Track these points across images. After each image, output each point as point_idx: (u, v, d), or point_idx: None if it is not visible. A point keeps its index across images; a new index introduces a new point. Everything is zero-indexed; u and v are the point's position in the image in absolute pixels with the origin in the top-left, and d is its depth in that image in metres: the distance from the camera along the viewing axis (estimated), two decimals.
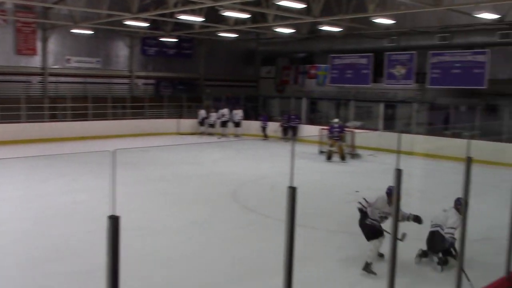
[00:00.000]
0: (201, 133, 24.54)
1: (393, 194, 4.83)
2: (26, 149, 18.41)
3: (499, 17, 18.35)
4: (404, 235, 6.18)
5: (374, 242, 6.88)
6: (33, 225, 8.96)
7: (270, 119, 24.66)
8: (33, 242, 8.08)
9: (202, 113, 24.71)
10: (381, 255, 7.09)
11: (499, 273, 5.95)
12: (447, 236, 6.87)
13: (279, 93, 29.23)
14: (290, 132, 22.93)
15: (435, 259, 7.15)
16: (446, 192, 12.49)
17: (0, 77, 22.07)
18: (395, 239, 4.35)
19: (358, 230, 7.15)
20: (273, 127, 23.58)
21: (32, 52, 22.91)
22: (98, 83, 25.44)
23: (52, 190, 12.04)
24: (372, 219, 6.99)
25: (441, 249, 7.06)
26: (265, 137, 23.49)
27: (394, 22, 19.62)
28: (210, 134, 24.32)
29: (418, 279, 6.89)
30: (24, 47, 22.62)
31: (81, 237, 8.29)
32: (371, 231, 6.97)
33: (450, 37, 21.31)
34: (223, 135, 24.13)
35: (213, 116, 24.46)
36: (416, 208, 7.80)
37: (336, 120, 18.32)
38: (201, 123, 24.74)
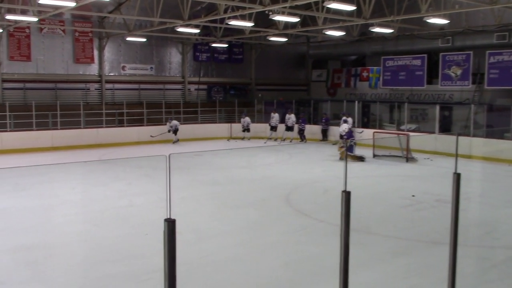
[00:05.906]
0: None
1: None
2: (84, 154, 19.12)
3: None
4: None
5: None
6: (92, 227, 9.26)
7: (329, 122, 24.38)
8: (92, 243, 8.36)
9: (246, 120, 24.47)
10: None
11: None
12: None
13: (331, 96, 28.99)
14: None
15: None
16: (507, 196, 12.09)
17: (60, 85, 23.09)
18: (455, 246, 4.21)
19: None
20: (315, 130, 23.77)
21: (89, 60, 23.78)
22: (152, 89, 26.10)
23: (109, 193, 12.42)
24: None
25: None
26: (303, 139, 23.64)
27: (448, 21, 19.06)
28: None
29: None
30: (82, 56, 23.51)
31: (138, 239, 8.50)
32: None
33: (509, 36, 20.47)
34: (274, 139, 24.14)
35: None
36: (476, 213, 7.54)
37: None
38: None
